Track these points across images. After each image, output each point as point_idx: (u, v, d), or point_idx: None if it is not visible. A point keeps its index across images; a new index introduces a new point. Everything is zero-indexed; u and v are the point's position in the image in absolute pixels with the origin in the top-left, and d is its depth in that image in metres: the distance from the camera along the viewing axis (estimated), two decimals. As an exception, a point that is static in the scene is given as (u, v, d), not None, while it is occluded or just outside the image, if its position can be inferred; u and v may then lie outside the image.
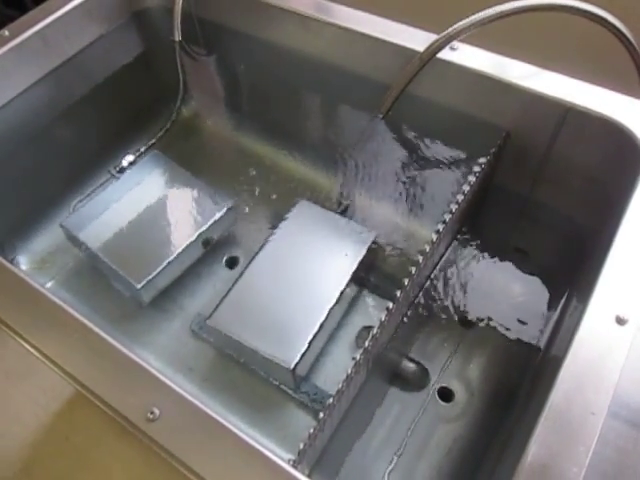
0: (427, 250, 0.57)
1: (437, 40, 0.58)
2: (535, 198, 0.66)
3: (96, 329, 0.47)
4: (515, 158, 0.64)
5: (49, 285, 0.75)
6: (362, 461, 0.65)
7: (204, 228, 0.74)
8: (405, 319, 0.65)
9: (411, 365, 0.70)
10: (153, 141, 0.80)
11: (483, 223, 0.73)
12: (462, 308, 0.74)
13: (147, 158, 0.79)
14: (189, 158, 0.82)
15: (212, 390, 0.69)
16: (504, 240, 0.73)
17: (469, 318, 0.74)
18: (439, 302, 0.74)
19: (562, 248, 0.68)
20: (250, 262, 0.72)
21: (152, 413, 0.42)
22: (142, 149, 0.80)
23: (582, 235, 0.64)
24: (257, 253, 0.72)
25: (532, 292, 0.73)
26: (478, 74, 0.60)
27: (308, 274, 0.70)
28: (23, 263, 0.75)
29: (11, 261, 0.74)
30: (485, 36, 0.58)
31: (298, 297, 0.69)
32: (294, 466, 0.45)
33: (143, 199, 0.76)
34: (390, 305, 0.55)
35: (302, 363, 0.65)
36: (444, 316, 0.74)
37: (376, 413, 0.68)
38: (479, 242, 0.74)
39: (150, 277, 0.69)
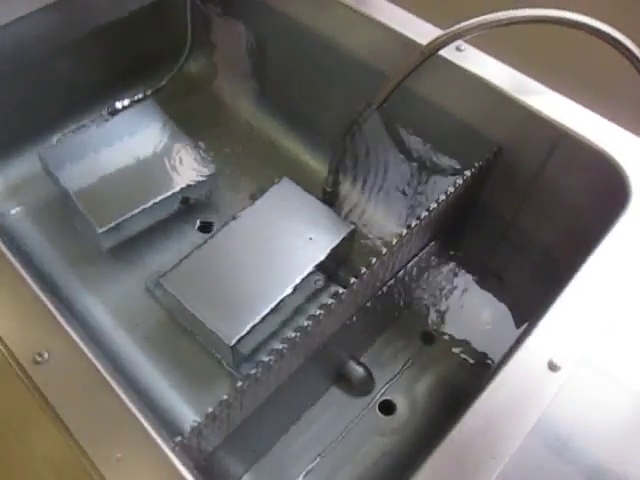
0: (393, 243, 0.53)
1: (441, 36, 0.55)
2: (518, 223, 0.62)
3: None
4: (505, 177, 0.60)
5: (16, 211, 0.74)
6: (283, 454, 0.63)
7: (182, 186, 0.72)
8: (358, 318, 0.62)
9: (358, 369, 0.67)
10: (151, 91, 0.78)
11: (464, 240, 0.69)
12: (425, 321, 0.71)
13: (141, 106, 0.77)
14: (184, 115, 0.80)
15: (152, 350, 0.68)
16: (481, 262, 0.69)
17: (430, 332, 0.70)
18: (402, 310, 0.71)
19: (537, 279, 0.64)
20: (218, 230, 0.70)
21: (40, 355, 0.41)
22: (139, 96, 0.78)
23: (558, 269, 0.60)
24: (227, 223, 0.70)
25: (499, 319, 0.69)
26: (480, 80, 0.57)
27: (274, 254, 0.68)
28: (-4, 183, 0.75)
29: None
30: (495, 40, 0.55)
31: (258, 275, 0.67)
32: (182, 441, 0.43)
33: (127, 146, 0.74)
34: (340, 290, 0.52)
35: (245, 342, 0.63)
36: (405, 326, 0.71)
37: (310, 409, 0.66)
38: (456, 259, 0.70)
39: (113, 224, 0.68)
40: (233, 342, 0.62)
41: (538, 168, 0.56)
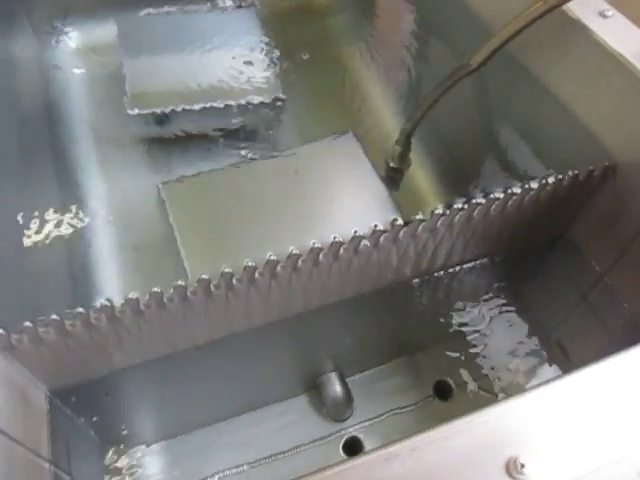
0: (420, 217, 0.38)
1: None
2: (608, 280, 0.42)
3: None
4: (611, 209, 0.41)
5: (79, 71, 0.69)
6: (209, 443, 0.51)
7: (240, 102, 0.62)
8: (361, 316, 0.47)
9: (337, 388, 0.52)
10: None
11: (531, 284, 0.50)
12: (447, 369, 0.53)
13: (242, 12, 0.69)
14: (284, 34, 0.70)
15: (133, 262, 0.59)
16: (546, 323, 0.50)
17: (449, 386, 0.53)
18: (421, 345, 0.54)
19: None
20: (250, 162, 0.59)
21: None
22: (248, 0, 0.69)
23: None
24: (263, 158, 0.59)
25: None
26: (621, 64, 0.38)
27: (295, 212, 0.56)
28: (73, 39, 0.70)
29: (64, 33, 0.70)
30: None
31: (266, 228, 0.55)
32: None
33: (206, 44, 0.65)
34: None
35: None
36: (421, 364, 0.54)
37: (264, 407, 0.53)
38: (513, 303, 0.51)
39: (148, 111, 0.60)
40: (197, 286, 0.50)
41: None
